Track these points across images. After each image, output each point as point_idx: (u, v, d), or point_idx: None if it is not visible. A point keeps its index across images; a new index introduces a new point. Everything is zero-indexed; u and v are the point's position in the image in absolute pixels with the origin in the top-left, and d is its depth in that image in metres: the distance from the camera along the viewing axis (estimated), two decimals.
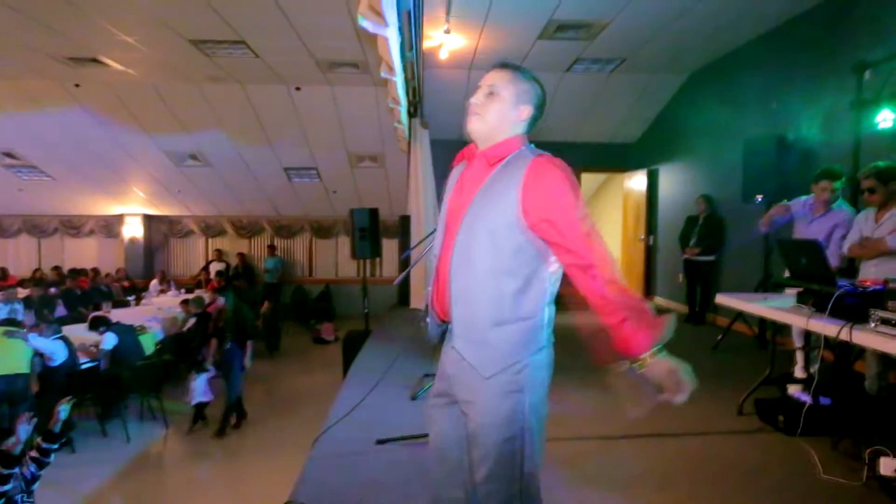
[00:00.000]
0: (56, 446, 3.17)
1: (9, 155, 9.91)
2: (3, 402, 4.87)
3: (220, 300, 7.49)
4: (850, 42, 4.98)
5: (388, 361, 4.93)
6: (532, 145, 1.72)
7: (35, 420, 3.13)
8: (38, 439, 3.14)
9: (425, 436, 3.22)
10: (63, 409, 3.25)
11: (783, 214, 4.35)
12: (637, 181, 9.44)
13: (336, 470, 2.98)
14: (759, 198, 5.56)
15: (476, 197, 1.66)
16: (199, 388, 5.88)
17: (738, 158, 6.01)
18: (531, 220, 1.59)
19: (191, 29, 6.02)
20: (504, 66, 1.72)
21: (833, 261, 3.84)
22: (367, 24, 3.16)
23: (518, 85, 1.69)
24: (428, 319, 1.83)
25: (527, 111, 1.70)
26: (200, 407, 5.94)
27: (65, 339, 5.47)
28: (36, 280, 10.14)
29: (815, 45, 5.49)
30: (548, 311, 1.68)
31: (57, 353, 5.31)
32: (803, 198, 4.23)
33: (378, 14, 2.97)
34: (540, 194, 1.57)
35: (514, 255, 1.61)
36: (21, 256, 12.44)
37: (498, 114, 1.68)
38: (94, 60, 6.96)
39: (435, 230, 3.04)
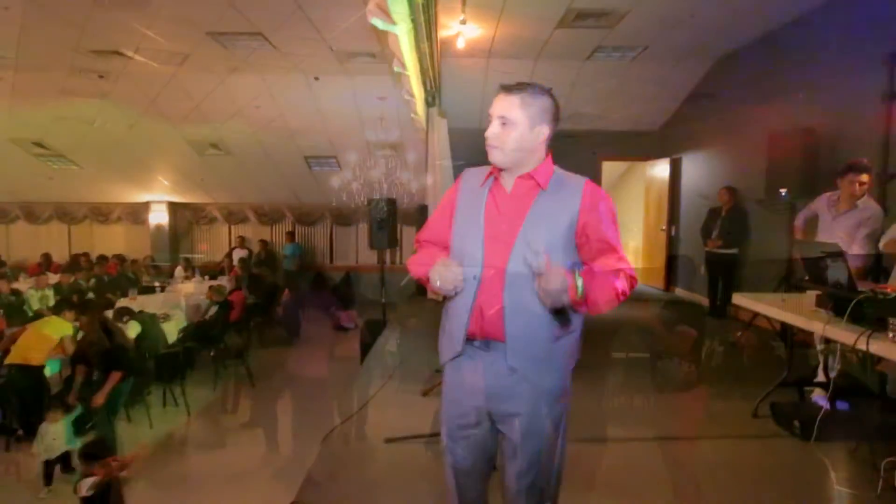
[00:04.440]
0: None
1: (38, 144, 10.17)
2: (14, 394, 4.91)
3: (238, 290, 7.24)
4: (882, 32, 4.76)
5: (402, 355, 4.99)
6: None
7: None
8: None
9: (434, 435, 3.26)
10: None
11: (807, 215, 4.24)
12: (660, 170, 9.25)
13: (343, 469, 3.02)
14: (784, 192, 5.40)
15: (528, 217, 1.67)
16: (64, 433, 4.41)
17: (762, 150, 5.84)
18: (582, 238, 1.67)
19: (209, 22, 6.05)
20: (509, 90, 1.67)
21: (857, 261, 3.71)
22: (377, 21, 3.14)
23: (528, 109, 1.65)
24: (445, 340, 1.81)
25: (545, 131, 1.68)
26: (65, 457, 4.46)
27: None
28: (66, 266, 10.44)
29: (846, 35, 5.26)
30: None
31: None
32: (826, 194, 4.10)
33: (385, 12, 2.94)
34: (597, 216, 1.66)
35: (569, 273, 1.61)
36: (53, 243, 12.82)
37: (517, 141, 1.66)
38: (117, 53, 7.05)
39: None
